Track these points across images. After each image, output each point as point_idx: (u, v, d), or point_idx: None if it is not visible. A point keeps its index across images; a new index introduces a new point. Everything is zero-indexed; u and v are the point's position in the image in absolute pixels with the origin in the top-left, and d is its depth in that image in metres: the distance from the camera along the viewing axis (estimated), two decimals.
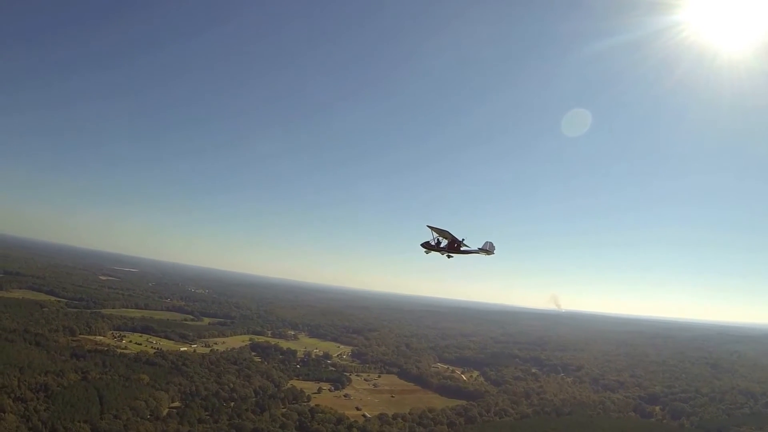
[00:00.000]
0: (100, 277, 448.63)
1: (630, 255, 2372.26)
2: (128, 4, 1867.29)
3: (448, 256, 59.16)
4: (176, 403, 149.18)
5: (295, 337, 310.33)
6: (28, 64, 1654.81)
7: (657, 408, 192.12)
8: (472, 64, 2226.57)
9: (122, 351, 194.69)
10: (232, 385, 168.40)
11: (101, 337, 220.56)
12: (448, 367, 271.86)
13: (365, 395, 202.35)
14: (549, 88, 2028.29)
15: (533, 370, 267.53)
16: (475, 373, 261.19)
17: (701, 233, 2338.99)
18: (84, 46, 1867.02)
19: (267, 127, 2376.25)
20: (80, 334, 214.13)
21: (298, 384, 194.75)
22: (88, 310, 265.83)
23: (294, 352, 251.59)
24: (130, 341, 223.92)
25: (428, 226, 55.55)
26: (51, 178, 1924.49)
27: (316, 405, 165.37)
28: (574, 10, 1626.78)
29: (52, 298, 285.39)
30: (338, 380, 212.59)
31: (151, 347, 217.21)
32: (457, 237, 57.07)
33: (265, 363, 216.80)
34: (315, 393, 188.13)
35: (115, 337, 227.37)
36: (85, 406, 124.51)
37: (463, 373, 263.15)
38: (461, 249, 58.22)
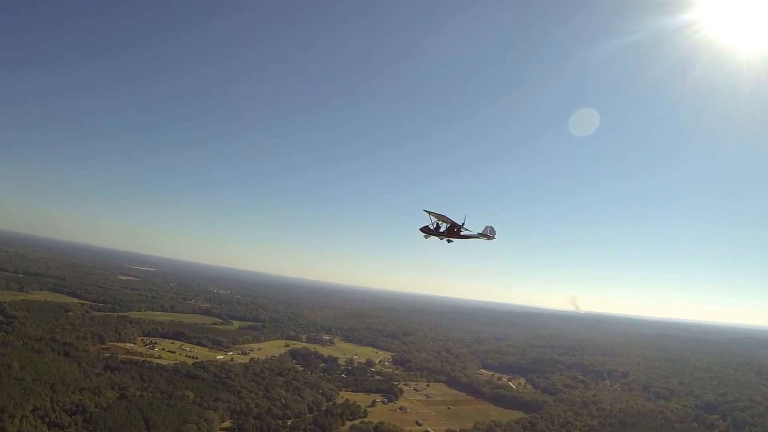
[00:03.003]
0: (120, 277, 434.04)
1: (642, 256, 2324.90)
2: None
3: (448, 241, 57.55)
4: (227, 423, 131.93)
5: (331, 342, 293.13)
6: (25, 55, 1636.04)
7: (716, 417, 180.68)
8: (475, 64, 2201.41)
9: (157, 361, 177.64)
10: (283, 401, 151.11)
11: (132, 345, 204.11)
12: (493, 374, 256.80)
13: (420, 407, 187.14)
14: (557, 89, 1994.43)
15: (579, 377, 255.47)
16: (522, 380, 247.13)
17: (714, 235, 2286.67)
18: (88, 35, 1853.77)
19: (266, 122, 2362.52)
20: (109, 341, 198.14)
21: (349, 396, 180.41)
22: (115, 314, 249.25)
23: (335, 360, 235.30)
24: (163, 349, 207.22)
25: (425, 211, 54.31)
26: (57, 175, 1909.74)
27: (379, 422, 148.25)
28: (583, 10, 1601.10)
29: (75, 300, 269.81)
30: (390, 391, 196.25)
31: (186, 356, 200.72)
32: (456, 221, 55.58)
33: (309, 372, 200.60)
34: (369, 406, 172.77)
35: (146, 345, 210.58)
36: (129, 431, 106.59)
37: (509, 380, 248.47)
38: (461, 234, 56.61)
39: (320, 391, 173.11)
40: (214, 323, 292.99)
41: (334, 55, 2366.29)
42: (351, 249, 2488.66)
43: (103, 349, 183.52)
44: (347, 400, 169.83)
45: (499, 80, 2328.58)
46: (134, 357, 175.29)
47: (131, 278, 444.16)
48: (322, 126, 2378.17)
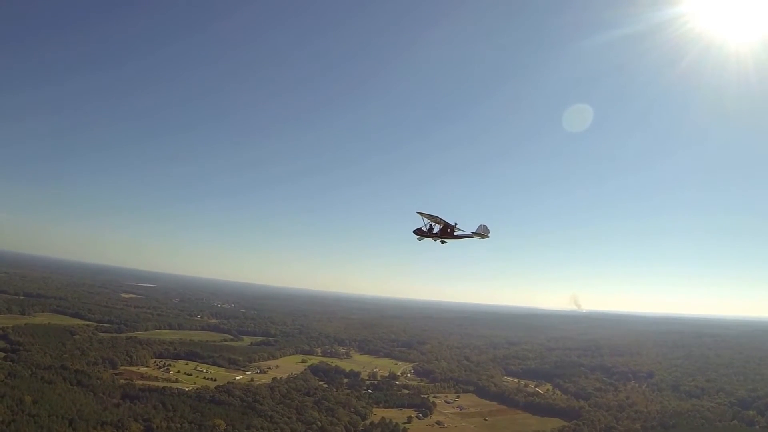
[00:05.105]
0: (123, 295, 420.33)
1: (638, 252, 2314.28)
2: (112, 7, 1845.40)
3: (442, 242, 56.93)
4: None
5: (348, 355, 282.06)
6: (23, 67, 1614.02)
7: (753, 413, 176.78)
8: (467, 59, 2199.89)
9: (176, 386, 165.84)
10: (319, 423, 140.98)
11: (145, 368, 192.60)
12: (519, 381, 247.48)
13: (457, 421, 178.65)
14: (548, 83, 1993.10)
15: (605, 379, 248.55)
16: (549, 386, 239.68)
17: (705, 227, 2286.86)
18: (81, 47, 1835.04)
19: (259, 131, 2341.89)
20: (122, 365, 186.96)
21: (382, 413, 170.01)
22: (122, 335, 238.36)
23: (358, 374, 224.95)
24: (179, 371, 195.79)
25: (418, 212, 54.03)
26: (48, 191, 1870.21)
27: None
28: (573, 2, 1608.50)
29: (80, 322, 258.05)
30: (422, 405, 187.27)
31: (204, 378, 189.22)
32: (449, 221, 55.13)
33: (335, 389, 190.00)
34: (405, 423, 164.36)
35: (160, 367, 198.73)
36: None
37: (536, 386, 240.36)
38: (455, 234, 56.06)
39: (352, 410, 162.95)
40: (225, 340, 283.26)
41: (327, 59, 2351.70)
42: (348, 257, 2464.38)
43: (116, 374, 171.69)
44: (383, 418, 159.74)
45: (492, 77, 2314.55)
46: (151, 382, 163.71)
47: (134, 296, 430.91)
48: (314, 134, 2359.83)
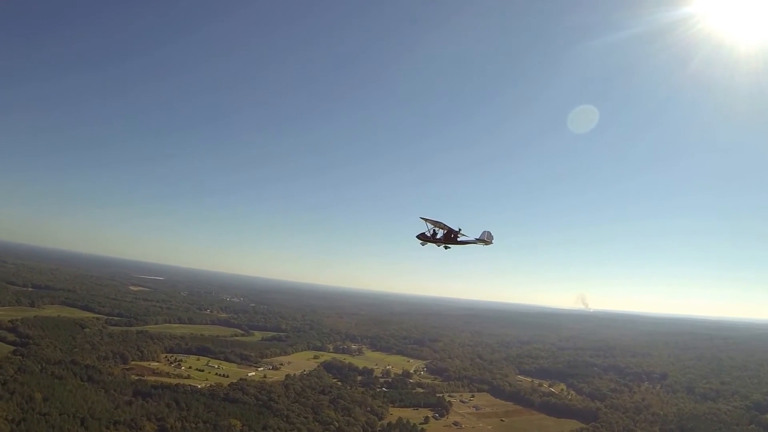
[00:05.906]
0: (131, 288, 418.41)
1: (642, 252, 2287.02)
2: (112, 6, 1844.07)
3: (445, 247, 56.98)
4: None
5: (360, 352, 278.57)
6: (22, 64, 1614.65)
7: None
8: (474, 59, 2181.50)
9: (188, 382, 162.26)
10: (336, 423, 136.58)
11: (156, 363, 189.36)
12: (532, 381, 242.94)
13: (473, 421, 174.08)
14: (555, 84, 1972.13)
15: (619, 380, 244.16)
16: (562, 386, 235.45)
17: (712, 228, 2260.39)
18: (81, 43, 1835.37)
19: (265, 127, 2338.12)
20: (132, 360, 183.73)
21: (398, 413, 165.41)
22: (133, 329, 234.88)
23: (371, 372, 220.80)
24: (190, 367, 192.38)
25: (422, 218, 55.07)
26: (57, 184, 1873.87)
27: None
28: (582, 2, 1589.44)
29: (90, 315, 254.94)
30: (438, 405, 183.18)
31: (216, 374, 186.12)
32: (452, 227, 55.54)
33: (349, 387, 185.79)
34: (422, 423, 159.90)
35: (171, 363, 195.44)
36: None
37: (550, 386, 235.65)
38: (458, 239, 56.29)
39: (369, 409, 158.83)
40: (235, 335, 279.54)
41: (330, 59, 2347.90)
42: (354, 253, 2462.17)
43: (126, 370, 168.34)
44: (400, 418, 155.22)
45: (498, 78, 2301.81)
46: (163, 379, 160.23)
47: (142, 289, 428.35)
48: (320, 132, 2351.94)
